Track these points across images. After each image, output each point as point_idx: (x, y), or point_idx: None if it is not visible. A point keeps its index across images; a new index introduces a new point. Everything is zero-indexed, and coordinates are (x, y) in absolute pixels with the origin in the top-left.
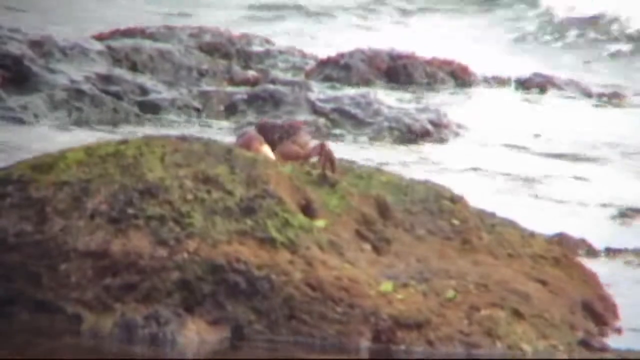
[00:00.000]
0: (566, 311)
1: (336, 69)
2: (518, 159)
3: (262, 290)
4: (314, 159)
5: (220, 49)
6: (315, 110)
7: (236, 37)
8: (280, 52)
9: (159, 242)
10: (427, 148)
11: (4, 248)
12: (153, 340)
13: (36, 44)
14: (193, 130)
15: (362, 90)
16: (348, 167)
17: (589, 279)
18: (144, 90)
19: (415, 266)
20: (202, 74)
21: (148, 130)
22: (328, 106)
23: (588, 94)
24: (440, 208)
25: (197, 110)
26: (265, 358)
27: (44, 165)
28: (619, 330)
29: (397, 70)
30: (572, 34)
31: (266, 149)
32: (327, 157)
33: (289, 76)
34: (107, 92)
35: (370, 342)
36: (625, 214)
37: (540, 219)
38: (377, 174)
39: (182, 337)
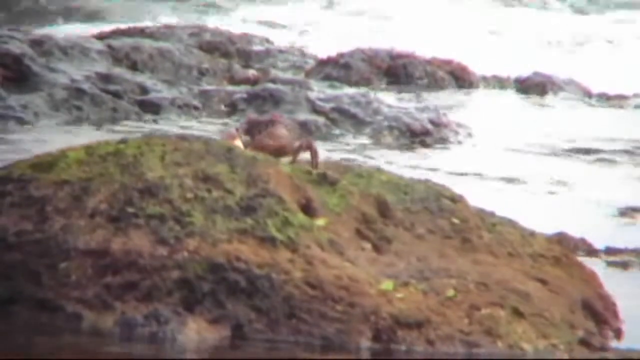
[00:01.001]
0: (566, 310)
1: (336, 68)
2: (518, 157)
3: (262, 289)
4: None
5: (220, 48)
6: (315, 109)
7: (236, 36)
8: (280, 51)
9: (159, 240)
10: (426, 147)
11: (4, 247)
12: (153, 338)
13: (36, 43)
14: (193, 129)
15: (362, 89)
16: (348, 167)
17: (589, 278)
18: (144, 90)
19: (416, 265)
20: (202, 73)
21: (148, 129)
22: (328, 105)
23: (588, 94)
24: (441, 207)
25: (197, 109)
26: (266, 356)
27: (44, 164)
28: (619, 330)
29: (397, 70)
30: None
31: (238, 144)
32: (314, 152)
33: (289, 75)
34: (107, 91)
35: (371, 341)
36: (626, 214)
37: (540, 218)
38: (377, 173)
39: (182, 335)
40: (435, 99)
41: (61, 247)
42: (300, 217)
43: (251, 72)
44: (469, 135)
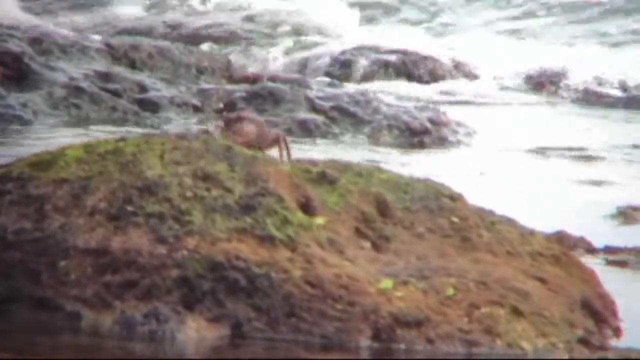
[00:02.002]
0: (565, 309)
1: (336, 66)
2: (517, 156)
3: (262, 288)
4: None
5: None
6: (315, 108)
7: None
8: None
9: (159, 239)
10: (426, 146)
11: (3, 245)
12: (152, 337)
13: (35, 41)
14: (192, 128)
15: (362, 88)
16: (347, 165)
17: (589, 277)
18: (143, 88)
19: (415, 264)
20: (201, 71)
21: (147, 127)
22: (327, 104)
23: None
24: (440, 206)
25: (196, 108)
26: (265, 355)
27: (43, 162)
28: (618, 329)
29: (399, 67)
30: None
31: None
32: (285, 145)
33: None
34: (106, 90)
35: (370, 340)
36: (625, 213)
37: (540, 216)
38: (377, 172)
39: (182, 334)
40: (435, 97)
41: (60, 246)
42: (300, 216)
43: (250, 71)
44: (468, 134)
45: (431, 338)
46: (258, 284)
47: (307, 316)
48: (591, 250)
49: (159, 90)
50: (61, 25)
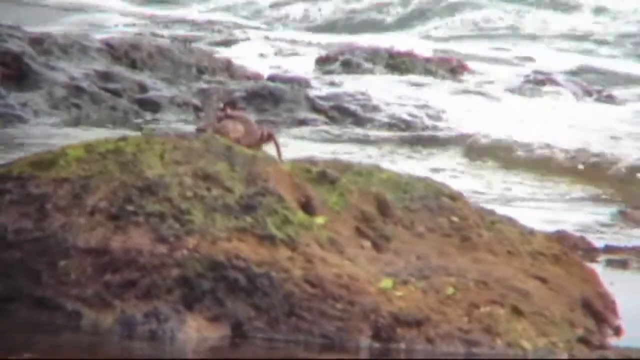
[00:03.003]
0: (566, 309)
1: (336, 66)
2: (517, 156)
3: (262, 287)
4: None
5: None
6: (315, 108)
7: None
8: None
9: (159, 238)
10: (425, 144)
11: (3, 245)
12: (153, 336)
13: (36, 41)
14: (192, 127)
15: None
16: (347, 165)
17: (589, 276)
18: (143, 88)
19: (415, 263)
20: (201, 71)
21: (147, 127)
22: (327, 103)
23: (588, 92)
24: (440, 205)
25: (197, 107)
26: (265, 355)
27: (44, 162)
28: (618, 328)
29: (397, 67)
30: None
31: None
32: (274, 143)
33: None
34: (106, 90)
35: (370, 339)
36: (625, 212)
37: (539, 215)
38: (377, 171)
39: (182, 333)
40: (435, 95)
41: (61, 245)
42: (300, 215)
43: (250, 71)
44: (468, 132)
45: (431, 337)
46: (258, 284)
47: (308, 315)
48: (591, 249)
49: (159, 89)
50: None
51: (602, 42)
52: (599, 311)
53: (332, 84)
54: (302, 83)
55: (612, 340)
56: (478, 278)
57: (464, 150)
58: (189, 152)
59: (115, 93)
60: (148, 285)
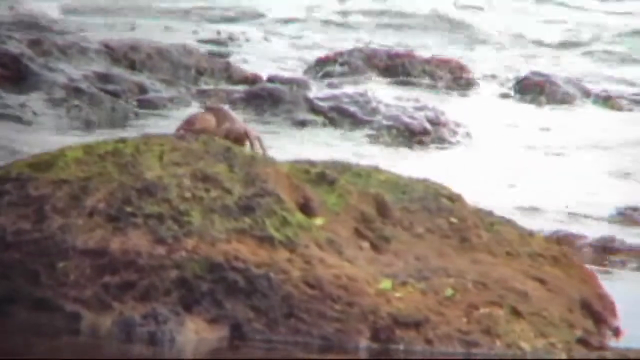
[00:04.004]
0: (565, 310)
1: (335, 67)
2: (517, 156)
3: (261, 289)
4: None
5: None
6: (314, 109)
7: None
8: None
9: (158, 240)
10: (425, 146)
11: (2, 246)
12: (151, 338)
13: (35, 43)
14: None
15: (360, 88)
16: (346, 166)
17: (588, 277)
18: (142, 89)
19: (414, 264)
20: (200, 72)
21: (146, 128)
22: (326, 104)
23: (587, 94)
24: (439, 206)
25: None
26: (264, 356)
27: (43, 163)
28: (617, 329)
29: (396, 69)
30: None
31: None
32: (253, 140)
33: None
34: (105, 91)
35: (369, 341)
36: (624, 213)
37: (539, 216)
38: (376, 172)
39: (181, 335)
40: (434, 97)
41: (59, 247)
42: (299, 216)
43: (249, 72)
44: (467, 134)
45: (430, 339)
46: (257, 285)
47: (306, 317)
48: (590, 250)
49: (159, 91)
50: None
51: None
52: (598, 312)
53: (331, 85)
54: (301, 84)
55: (611, 341)
56: (477, 279)
57: (462, 151)
58: (187, 153)
59: (115, 94)
60: (147, 287)
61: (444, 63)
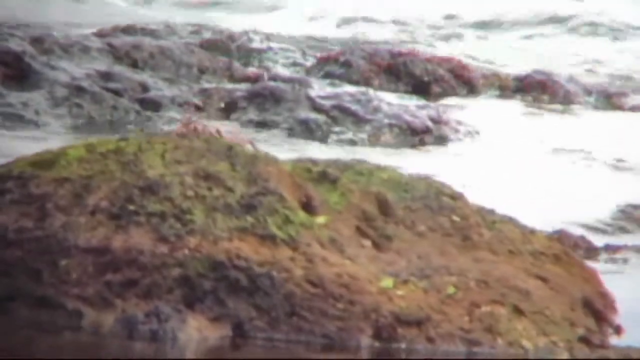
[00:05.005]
0: (566, 308)
1: (336, 66)
2: (517, 155)
3: (263, 287)
4: None
5: (221, 46)
6: (315, 108)
7: (237, 34)
8: (281, 49)
9: (160, 238)
10: (426, 145)
11: (4, 244)
12: (154, 336)
13: (37, 41)
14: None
15: (362, 87)
16: (348, 164)
17: (589, 276)
18: (144, 88)
19: (416, 263)
20: (202, 71)
21: (148, 127)
22: (328, 103)
23: (588, 93)
24: (441, 205)
25: (198, 107)
26: (266, 355)
27: (45, 161)
28: (619, 327)
29: (398, 67)
30: None
31: None
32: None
33: (289, 73)
34: (107, 89)
35: (371, 339)
36: (625, 211)
37: (541, 215)
38: (378, 170)
39: (183, 333)
40: (435, 97)
41: (62, 245)
42: (301, 215)
43: (251, 70)
44: (469, 133)
45: (432, 337)
46: (259, 283)
47: (308, 315)
48: (591, 249)
49: (161, 89)
50: None
51: None
52: (599, 310)
53: (332, 83)
54: (303, 83)
55: (613, 340)
56: (479, 277)
57: (464, 150)
58: (190, 152)
59: (117, 93)
60: (149, 285)
61: (445, 62)
